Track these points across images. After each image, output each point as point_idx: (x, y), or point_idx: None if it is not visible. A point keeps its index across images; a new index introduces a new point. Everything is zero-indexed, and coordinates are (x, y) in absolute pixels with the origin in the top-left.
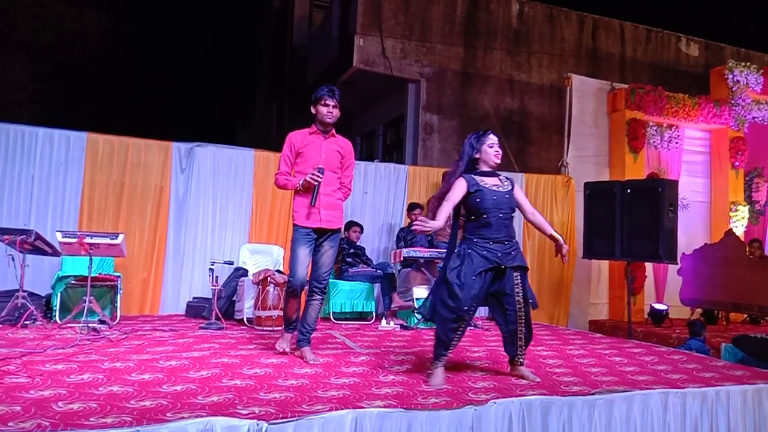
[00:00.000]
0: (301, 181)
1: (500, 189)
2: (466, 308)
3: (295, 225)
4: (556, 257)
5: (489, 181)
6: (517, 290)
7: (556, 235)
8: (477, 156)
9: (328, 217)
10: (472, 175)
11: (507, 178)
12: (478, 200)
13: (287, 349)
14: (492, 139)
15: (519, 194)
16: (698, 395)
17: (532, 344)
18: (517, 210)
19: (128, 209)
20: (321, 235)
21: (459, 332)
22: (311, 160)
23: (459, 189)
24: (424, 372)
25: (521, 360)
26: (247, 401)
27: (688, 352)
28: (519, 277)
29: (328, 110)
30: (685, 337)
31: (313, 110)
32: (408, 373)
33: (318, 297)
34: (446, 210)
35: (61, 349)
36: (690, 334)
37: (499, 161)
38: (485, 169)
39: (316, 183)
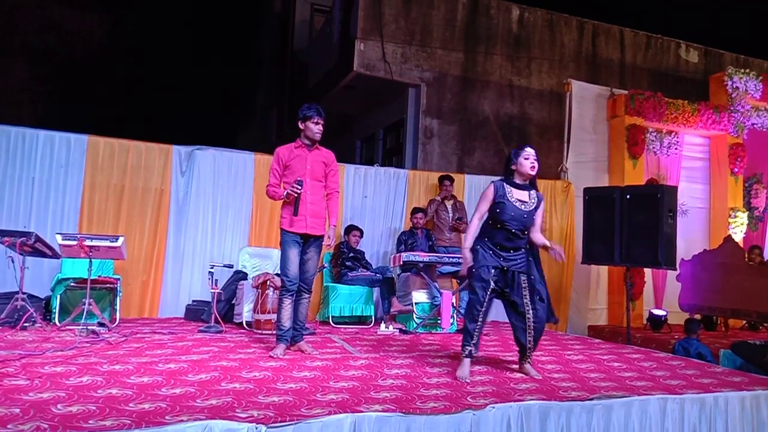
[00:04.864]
0: (284, 194)
1: (523, 207)
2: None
3: (282, 230)
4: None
5: (516, 195)
6: (525, 293)
7: (548, 243)
8: (513, 167)
9: (312, 224)
10: (504, 184)
11: (537, 195)
12: (498, 210)
13: (282, 356)
14: (528, 151)
15: (538, 215)
16: (696, 401)
17: None
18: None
19: (128, 212)
20: (306, 240)
21: (480, 322)
22: (298, 171)
23: (487, 198)
24: (423, 376)
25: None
26: (246, 404)
27: (685, 357)
28: (526, 282)
29: (319, 128)
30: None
31: (301, 126)
32: (407, 377)
33: (306, 295)
34: (476, 222)
35: (60, 352)
36: (686, 331)
37: (533, 174)
38: (519, 181)
39: (295, 194)
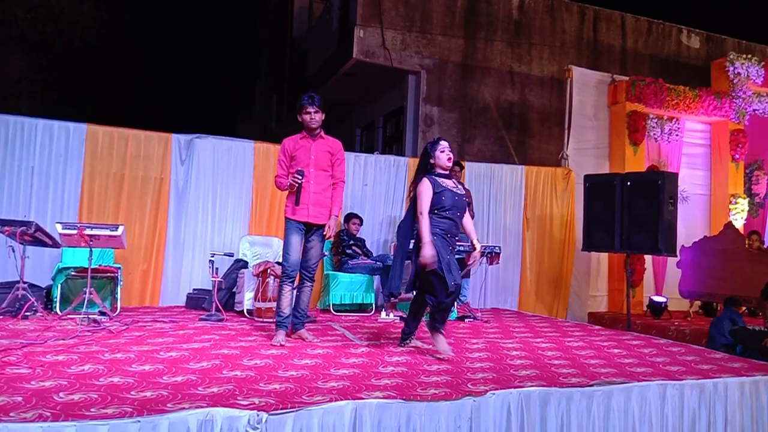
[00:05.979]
0: (287, 183)
1: (458, 190)
2: (458, 283)
3: (286, 217)
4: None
5: (448, 183)
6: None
7: (477, 245)
8: (432, 161)
9: (315, 213)
10: (433, 176)
11: (460, 183)
12: (443, 198)
13: (284, 343)
14: (443, 144)
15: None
16: (696, 387)
17: (530, 336)
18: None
19: (128, 201)
20: (309, 228)
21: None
22: (303, 161)
23: (427, 192)
24: (423, 363)
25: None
26: (247, 392)
27: (684, 344)
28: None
29: (311, 117)
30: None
31: (299, 118)
32: (407, 364)
33: (308, 284)
34: (428, 217)
35: (61, 341)
36: (726, 305)
37: (450, 165)
38: (441, 172)
39: (296, 184)
